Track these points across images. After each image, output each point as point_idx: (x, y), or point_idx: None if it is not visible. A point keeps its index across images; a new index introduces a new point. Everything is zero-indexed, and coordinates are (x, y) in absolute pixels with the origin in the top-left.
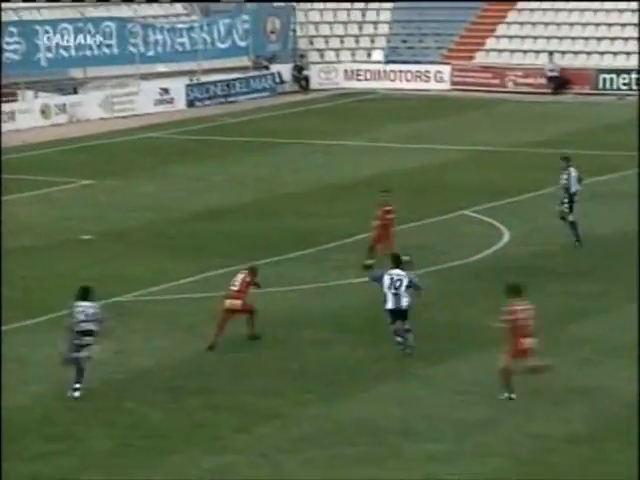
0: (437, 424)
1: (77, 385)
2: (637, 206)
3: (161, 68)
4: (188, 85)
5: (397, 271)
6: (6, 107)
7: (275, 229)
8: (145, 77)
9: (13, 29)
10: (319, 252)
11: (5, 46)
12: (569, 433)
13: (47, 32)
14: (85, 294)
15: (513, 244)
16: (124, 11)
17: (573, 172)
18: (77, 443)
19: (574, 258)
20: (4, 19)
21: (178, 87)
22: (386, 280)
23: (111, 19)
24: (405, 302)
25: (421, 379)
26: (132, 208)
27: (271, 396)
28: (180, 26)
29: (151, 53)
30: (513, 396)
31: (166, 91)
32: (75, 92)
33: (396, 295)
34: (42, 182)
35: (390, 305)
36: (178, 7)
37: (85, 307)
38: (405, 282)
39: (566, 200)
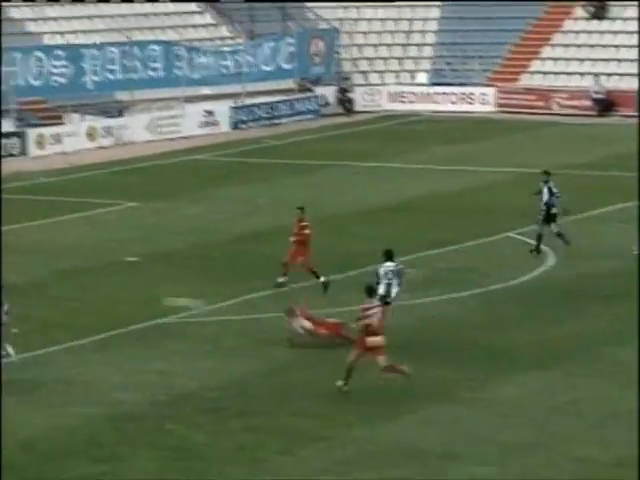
0: (481, 447)
1: None
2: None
3: (206, 91)
4: (233, 107)
5: (390, 263)
6: (53, 130)
7: (318, 251)
8: (190, 100)
9: (60, 52)
10: (361, 274)
11: (52, 69)
12: (614, 457)
13: (93, 55)
14: None
15: (558, 266)
16: (169, 34)
17: (551, 185)
18: (122, 464)
19: (620, 280)
20: (51, 42)
21: (223, 109)
22: (381, 271)
23: (157, 42)
24: (394, 292)
25: (464, 402)
26: (177, 230)
27: (314, 418)
28: (225, 49)
29: (196, 76)
30: (346, 388)
31: (211, 113)
32: (121, 115)
33: (388, 285)
34: (88, 204)
35: (382, 291)
36: (223, 30)
37: None
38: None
39: (543, 212)
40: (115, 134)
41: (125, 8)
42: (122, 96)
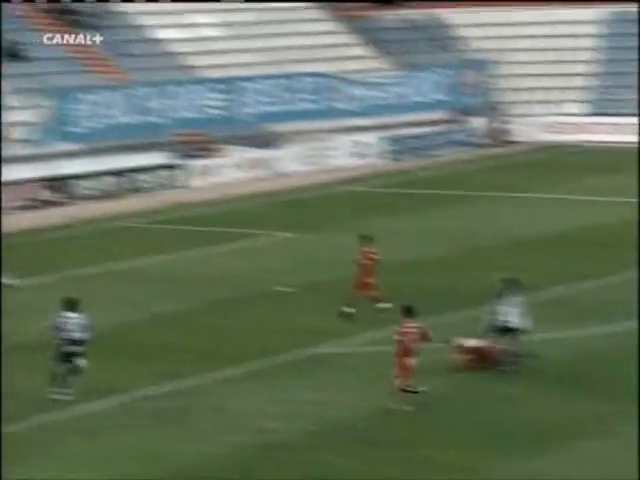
0: None
1: (58, 389)
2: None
3: (359, 122)
4: (385, 138)
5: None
6: (209, 162)
7: (466, 282)
8: (343, 131)
9: (217, 85)
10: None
11: (209, 102)
12: None
13: (250, 88)
14: (71, 305)
15: None
16: (323, 66)
17: None
18: None
19: None
20: (209, 75)
21: (375, 141)
22: (513, 302)
23: (311, 74)
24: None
25: (620, 437)
26: (329, 261)
27: (462, 449)
28: (377, 80)
29: (349, 107)
30: (421, 388)
31: (363, 145)
32: (275, 146)
33: (519, 315)
34: (243, 235)
35: (515, 322)
36: (376, 62)
37: (72, 317)
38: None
39: None
40: (270, 166)
41: (282, 41)
42: (277, 128)
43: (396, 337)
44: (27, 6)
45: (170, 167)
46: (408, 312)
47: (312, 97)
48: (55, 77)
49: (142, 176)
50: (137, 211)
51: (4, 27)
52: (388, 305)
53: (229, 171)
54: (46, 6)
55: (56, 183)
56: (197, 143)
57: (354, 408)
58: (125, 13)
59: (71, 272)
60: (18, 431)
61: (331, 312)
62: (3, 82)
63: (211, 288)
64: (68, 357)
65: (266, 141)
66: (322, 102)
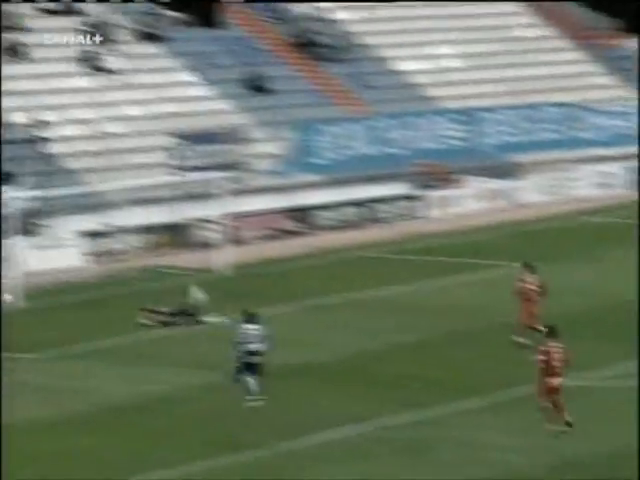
0: None
1: (249, 397)
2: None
3: (603, 152)
4: (631, 169)
5: None
6: (448, 192)
7: None
8: (587, 161)
9: (457, 116)
10: None
11: (448, 132)
12: None
13: (490, 119)
14: (251, 317)
15: None
16: (566, 95)
17: None
18: None
19: None
20: (449, 106)
21: (621, 171)
22: None
23: (553, 104)
24: None
25: None
26: (566, 292)
27: None
28: (623, 109)
29: (593, 137)
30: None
31: (608, 175)
32: (516, 177)
33: None
34: (482, 266)
35: None
36: (621, 90)
37: (251, 329)
38: None
39: None
40: (510, 196)
41: (523, 70)
42: (517, 158)
43: (539, 357)
44: (273, 40)
45: (409, 198)
46: (551, 332)
47: (554, 127)
48: (299, 109)
49: (382, 206)
50: (377, 241)
51: (252, 61)
52: (522, 340)
53: (468, 202)
54: (292, 40)
55: (298, 213)
56: (436, 174)
57: (595, 443)
58: (367, 45)
59: (312, 301)
60: (257, 457)
61: (570, 343)
62: (249, 115)
63: (448, 319)
64: (248, 368)
65: (506, 171)
66: (565, 132)
